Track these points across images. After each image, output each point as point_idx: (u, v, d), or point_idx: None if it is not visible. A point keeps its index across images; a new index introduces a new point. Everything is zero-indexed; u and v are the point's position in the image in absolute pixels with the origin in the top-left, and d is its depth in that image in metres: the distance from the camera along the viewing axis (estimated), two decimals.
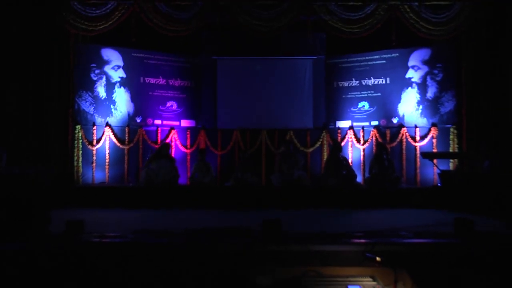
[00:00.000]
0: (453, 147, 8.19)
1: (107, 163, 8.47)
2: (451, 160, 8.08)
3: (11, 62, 7.58)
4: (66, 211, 5.81)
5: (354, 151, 8.91)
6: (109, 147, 8.48)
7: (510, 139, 7.41)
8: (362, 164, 8.78)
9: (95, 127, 8.40)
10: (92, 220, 4.80)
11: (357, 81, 9.08)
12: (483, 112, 7.81)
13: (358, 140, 8.90)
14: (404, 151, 8.56)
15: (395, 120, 8.73)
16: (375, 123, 8.87)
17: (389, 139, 8.69)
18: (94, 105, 8.45)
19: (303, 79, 9.19)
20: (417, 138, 8.44)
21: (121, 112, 8.69)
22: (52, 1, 7.73)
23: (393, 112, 8.75)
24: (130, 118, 8.76)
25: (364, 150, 8.83)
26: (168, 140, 8.73)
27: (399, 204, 6.82)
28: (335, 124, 9.17)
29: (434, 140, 8.30)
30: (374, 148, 8.61)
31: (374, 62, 8.94)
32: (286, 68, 9.22)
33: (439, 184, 7.49)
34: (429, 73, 8.47)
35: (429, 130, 8.36)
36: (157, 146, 8.39)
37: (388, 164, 7.79)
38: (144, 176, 7.68)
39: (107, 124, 8.49)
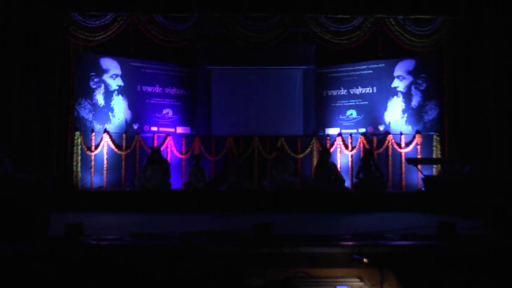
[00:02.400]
0: (436, 153, 8.36)
1: (105, 168, 8.58)
2: (435, 166, 8.26)
3: (14, 71, 7.68)
4: (66, 214, 5.89)
5: (343, 157, 9.09)
6: (107, 153, 8.60)
7: (488, 145, 7.56)
8: (350, 169, 8.95)
9: (93, 134, 8.51)
10: (90, 223, 4.83)
11: (345, 90, 9.30)
12: (464, 120, 7.97)
13: (347, 147, 9.08)
14: (390, 157, 8.72)
15: (381, 128, 8.93)
16: (362, 130, 9.08)
17: (375, 145, 8.87)
18: (93, 112, 8.57)
19: (294, 88, 9.42)
20: (402, 144, 8.62)
21: (119, 119, 8.83)
22: (54, 12, 7.87)
23: (380, 120, 8.97)
24: (128, 125, 8.88)
25: (352, 156, 9.02)
26: (163, 147, 8.81)
27: (385, 207, 6.96)
28: (324, 131, 9.38)
29: (419, 147, 8.46)
30: (361, 154, 8.76)
31: (362, 72, 9.16)
32: (278, 78, 9.43)
33: (423, 189, 7.63)
34: (413, 82, 8.66)
35: (414, 137, 8.52)
36: None
37: (375, 169, 7.98)
38: (137, 184, 7.78)
39: (105, 131, 8.61)
